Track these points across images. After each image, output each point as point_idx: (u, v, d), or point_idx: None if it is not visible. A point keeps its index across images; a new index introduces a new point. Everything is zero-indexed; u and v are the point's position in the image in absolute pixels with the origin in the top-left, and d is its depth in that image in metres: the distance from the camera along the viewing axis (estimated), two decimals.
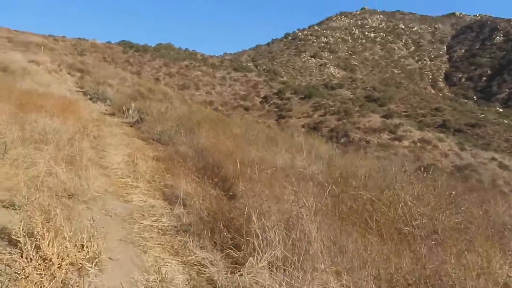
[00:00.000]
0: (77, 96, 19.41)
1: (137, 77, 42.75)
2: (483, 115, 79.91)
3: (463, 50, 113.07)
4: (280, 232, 3.16)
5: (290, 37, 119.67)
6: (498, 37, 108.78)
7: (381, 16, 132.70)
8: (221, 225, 3.66)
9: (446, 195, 3.58)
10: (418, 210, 3.24)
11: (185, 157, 7.18)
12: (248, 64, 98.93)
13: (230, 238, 3.58)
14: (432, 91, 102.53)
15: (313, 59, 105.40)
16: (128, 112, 14.41)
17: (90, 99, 19.55)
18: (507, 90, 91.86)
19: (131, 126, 12.87)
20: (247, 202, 3.72)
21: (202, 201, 4.34)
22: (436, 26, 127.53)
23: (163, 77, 70.77)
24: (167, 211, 4.54)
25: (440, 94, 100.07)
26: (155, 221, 4.21)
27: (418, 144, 54.55)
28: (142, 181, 5.67)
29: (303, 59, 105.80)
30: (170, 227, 4.10)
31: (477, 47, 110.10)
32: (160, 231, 4.02)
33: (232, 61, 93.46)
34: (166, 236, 3.92)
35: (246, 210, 3.46)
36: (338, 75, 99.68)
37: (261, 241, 3.12)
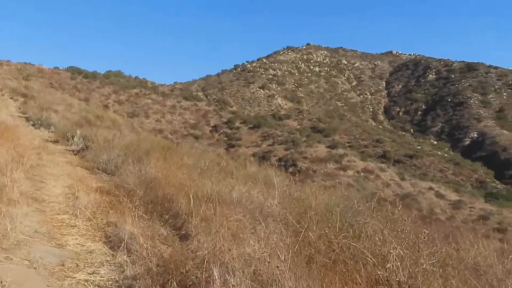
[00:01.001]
0: (19, 122, 18.39)
1: (85, 104, 40.99)
2: (420, 146, 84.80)
3: (400, 86, 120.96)
4: None
5: (239, 69, 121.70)
6: (430, 75, 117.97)
7: (325, 51, 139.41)
8: (175, 283, 3.01)
9: (416, 233, 3.40)
10: (390, 251, 3.00)
11: (132, 189, 6.61)
12: (198, 93, 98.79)
13: None
14: (373, 124, 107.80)
15: (261, 90, 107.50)
16: (73, 139, 13.71)
17: (33, 125, 18.64)
18: (440, 124, 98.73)
19: (75, 154, 12.26)
20: (203, 245, 3.25)
21: (151, 245, 3.74)
22: (376, 63, 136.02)
23: (113, 104, 68.72)
24: (108, 258, 3.82)
25: (380, 127, 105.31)
26: (92, 274, 3.46)
27: (362, 173, 56.45)
28: (82, 219, 5.01)
29: (252, 90, 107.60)
30: (109, 283, 3.38)
31: (413, 83, 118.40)
32: None
33: (182, 90, 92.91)
34: None
35: (204, 260, 2.97)
36: (285, 106, 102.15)
37: None
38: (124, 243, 3.75)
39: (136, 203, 5.23)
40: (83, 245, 4.07)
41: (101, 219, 4.99)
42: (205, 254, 3.09)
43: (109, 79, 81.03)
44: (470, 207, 50.22)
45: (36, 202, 5.80)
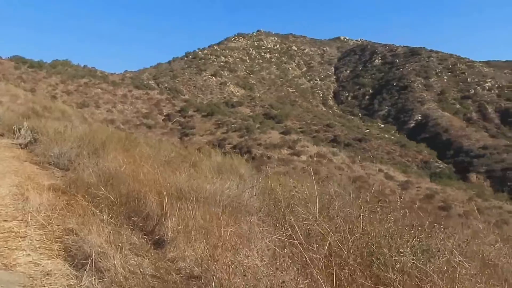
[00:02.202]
0: None
1: (31, 95, 38.25)
2: (368, 130, 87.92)
3: (348, 71, 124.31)
4: None
5: (190, 56, 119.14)
6: (377, 60, 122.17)
7: (276, 38, 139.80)
8: None
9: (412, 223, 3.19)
10: (397, 248, 2.73)
11: (91, 186, 5.93)
12: (150, 82, 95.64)
13: None
14: (323, 109, 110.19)
15: (213, 77, 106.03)
16: (19, 132, 12.60)
17: None
18: (386, 107, 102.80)
19: (22, 148, 11.28)
20: (184, 254, 2.78)
21: (124, 261, 3.06)
22: (324, 49, 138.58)
23: (61, 94, 65.03)
24: (71, 282, 3.04)
25: (330, 112, 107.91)
26: None
27: (315, 158, 57.50)
28: (34, 226, 4.27)
29: (204, 78, 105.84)
30: None
31: (360, 68, 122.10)
32: None
33: (133, 79, 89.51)
34: None
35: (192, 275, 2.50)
36: (237, 93, 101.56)
37: None
38: (92, 260, 3.02)
39: (98, 204, 4.65)
40: (38, 264, 3.31)
41: (58, 226, 4.29)
42: (191, 267, 2.61)
43: (56, 69, 76.65)
44: (417, 187, 52.93)
45: None
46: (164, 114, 69.04)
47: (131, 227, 4.14)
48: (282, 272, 2.80)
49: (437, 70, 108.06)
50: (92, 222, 3.71)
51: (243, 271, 2.74)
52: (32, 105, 23.78)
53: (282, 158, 53.92)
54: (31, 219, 4.49)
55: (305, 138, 62.29)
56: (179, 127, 65.64)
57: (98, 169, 7.16)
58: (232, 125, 63.26)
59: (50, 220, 4.52)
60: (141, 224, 4.33)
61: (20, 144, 11.72)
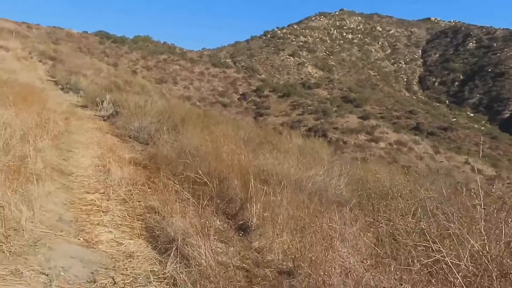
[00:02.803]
0: (47, 85, 18.01)
1: (114, 69, 40.68)
2: (455, 119, 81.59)
3: (437, 55, 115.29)
4: None
5: (269, 35, 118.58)
6: (471, 43, 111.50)
7: (359, 18, 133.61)
8: None
9: None
10: None
11: (171, 162, 5.77)
12: (227, 60, 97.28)
13: None
14: (407, 94, 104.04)
15: (291, 58, 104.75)
16: (102, 104, 13.05)
17: (62, 89, 18.30)
18: (478, 95, 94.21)
19: (105, 120, 11.57)
20: (272, 246, 2.36)
21: (210, 250, 2.68)
22: (412, 30, 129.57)
23: (141, 70, 68.60)
24: (154, 268, 2.79)
25: (414, 97, 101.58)
26: None
27: (394, 146, 54.67)
28: (115, 200, 4.17)
29: (282, 58, 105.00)
30: None
31: (451, 52, 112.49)
32: None
33: (211, 56, 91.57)
34: None
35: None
36: (315, 74, 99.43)
37: None
38: (177, 246, 2.74)
39: (179, 182, 4.40)
40: (120, 243, 3.11)
41: (139, 202, 4.14)
42: (281, 260, 2.19)
43: (137, 44, 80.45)
44: (508, 183, 48.02)
45: (62, 176, 5.03)
46: (240, 93, 69.80)
47: (213, 209, 3.86)
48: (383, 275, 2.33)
49: None
50: (174, 201, 3.48)
51: (341, 271, 2.30)
52: (114, 79, 24.92)
53: (359, 143, 51.91)
54: (112, 193, 4.41)
55: (384, 124, 59.35)
56: (254, 106, 66.07)
57: (178, 145, 7.08)
58: (308, 107, 62.14)
59: (132, 195, 4.38)
60: (223, 207, 4.05)
61: (102, 116, 12.11)
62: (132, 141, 8.86)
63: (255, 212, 3.38)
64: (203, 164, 5.22)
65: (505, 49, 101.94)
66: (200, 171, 4.63)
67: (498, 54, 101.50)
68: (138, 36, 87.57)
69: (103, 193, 4.48)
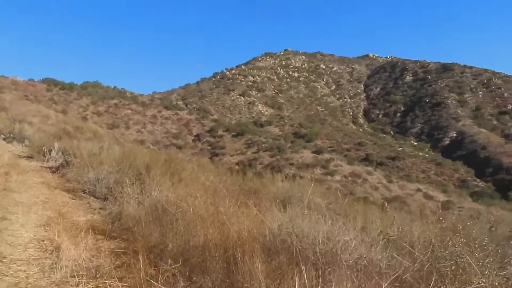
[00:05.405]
0: None
1: (63, 116, 38.71)
2: (401, 148, 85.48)
3: (378, 89, 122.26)
4: None
5: (218, 76, 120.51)
6: (408, 76, 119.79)
7: (303, 57, 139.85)
8: None
9: None
10: None
11: (142, 227, 4.64)
12: (178, 102, 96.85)
13: None
14: (354, 127, 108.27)
15: (241, 97, 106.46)
16: (50, 154, 11.90)
17: (4, 139, 16.96)
18: (419, 124, 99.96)
19: (53, 172, 10.27)
20: None
21: None
22: (353, 66, 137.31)
23: (91, 115, 66.38)
24: None
25: (361, 130, 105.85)
26: None
27: (349, 178, 55.91)
28: None
29: (232, 98, 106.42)
30: None
31: (391, 86, 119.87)
32: None
33: (162, 99, 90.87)
34: None
35: None
36: (266, 112, 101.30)
37: None
38: None
39: (163, 265, 3.37)
40: None
41: None
42: None
43: (86, 90, 78.48)
44: (459, 207, 50.30)
45: None
46: (194, 134, 69.21)
47: None
48: None
49: (472, 86, 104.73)
50: None
51: None
52: (63, 126, 23.19)
53: (316, 178, 52.56)
54: None
55: (338, 157, 60.87)
56: (209, 147, 65.53)
57: (148, 200, 5.92)
58: (263, 145, 62.60)
59: None
60: None
61: (50, 168, 10.88)
62: (88, 196, 7.64)
63: None
64: (192, 230, 4.02)
65: (439, 81, 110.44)
66: (188, 243, 3.62)
67: (433, 86, 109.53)
68: (87, 82, 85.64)
69: None
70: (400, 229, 3.94)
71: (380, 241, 3.66)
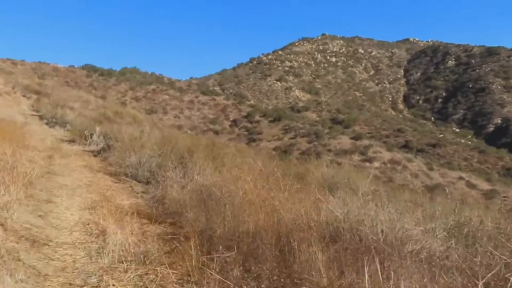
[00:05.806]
0: (31, 120, 17.01)
1: (102, 101, 40.11)
2: (442, 135, 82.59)
3: (419, 74, 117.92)
4: None
5: (255, 62, 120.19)
6: (450, 61, 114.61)
7: (341, 41, 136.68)
8: None
9: None
10: None
11: (186, 210, 4.55)
12: (215, 88, 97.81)
13: None
14: (393, 113, 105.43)
15: (278, 82, 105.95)
16: (91, 138, 11.91)
17: (47, 123, 17.36)
18: (461, 111, 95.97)
19: (95, 155, 10.29)
20: None
21: None
22: (393, 51, 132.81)
23: (130, 101, 68.27)
24: None
25: (401, 116, 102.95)
26: None
27: (388, 165, 54.81)
28: None
29: (269, 83, 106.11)
30: None
31: (432, 70, 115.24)
32: None
33: (199, 85, 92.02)
34: None
35: None
36: (303, 98, 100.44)
37: None
38: None
39: (216, 252, 3.16)
40: None
41: None
42: None
43: (125, 76, 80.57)
44: (504, 197, 48.30)
45: (33, 249, 3.53)
46: (231, 119, 69.81)
47: None
48: None
49: None
50: None
51: None
52: (103, 111, 23.11)
53: (354, 164, 51.97)
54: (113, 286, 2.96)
55: (377, 144, 59.70)
56: (245, 132, 66.02)
57: (192, 184, 5.75)
58: (300, 130, 62.35)
59: (145, 283, 3.04)
60: None
61: (92, 151, 10.88)
62: (130, 180, 7.50)
63: None
64: (241, 215, 3.79)
65: (483, 65, 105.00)
66: (241, 231, 3.40)
67: (477, 70, 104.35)
68: (125, 68, 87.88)
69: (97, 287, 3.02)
70: (467, 218, 3.81)
71: (453, 232, 3.55)
